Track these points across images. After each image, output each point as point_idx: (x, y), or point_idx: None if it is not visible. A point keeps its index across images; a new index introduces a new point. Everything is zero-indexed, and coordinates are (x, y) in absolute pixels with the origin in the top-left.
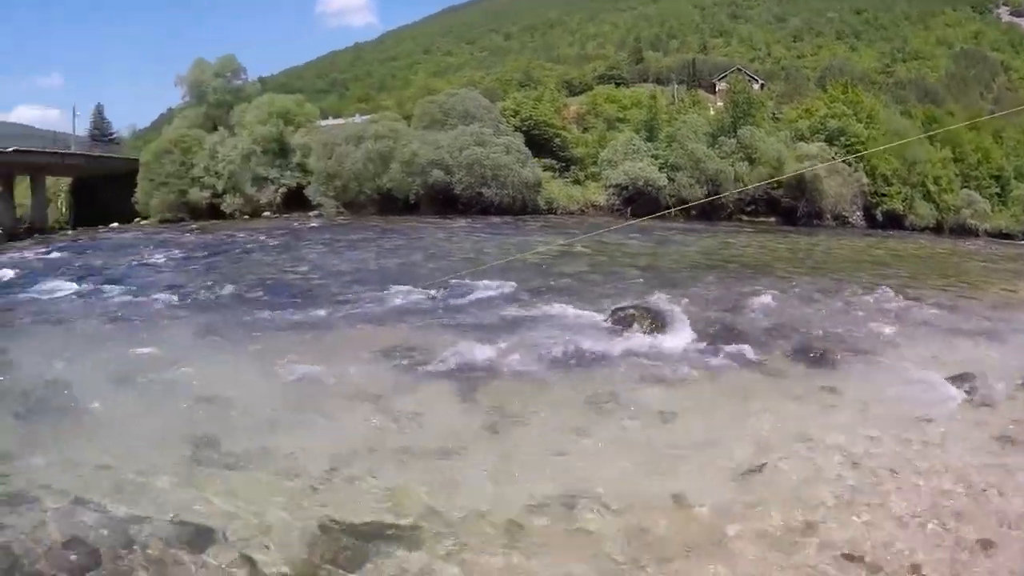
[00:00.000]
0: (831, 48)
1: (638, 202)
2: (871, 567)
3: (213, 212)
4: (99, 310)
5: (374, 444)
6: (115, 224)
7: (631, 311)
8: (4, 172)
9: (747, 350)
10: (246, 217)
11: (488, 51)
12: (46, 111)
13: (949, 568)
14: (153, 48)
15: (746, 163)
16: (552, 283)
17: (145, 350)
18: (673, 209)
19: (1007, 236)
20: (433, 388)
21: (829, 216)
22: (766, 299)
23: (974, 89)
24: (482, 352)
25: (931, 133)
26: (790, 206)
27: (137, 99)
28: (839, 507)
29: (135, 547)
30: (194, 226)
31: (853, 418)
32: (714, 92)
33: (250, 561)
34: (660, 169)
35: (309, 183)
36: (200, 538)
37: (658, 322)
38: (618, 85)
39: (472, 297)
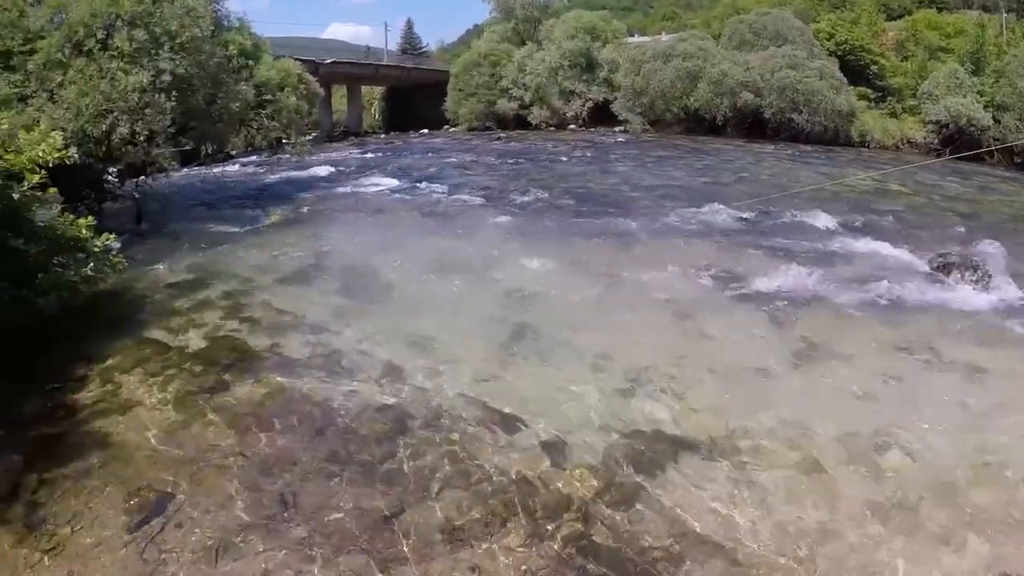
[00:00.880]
0: None
1: (958, 142)
2: None
3: (520, 123)
4: (413, 205)
5: (680, 357)
6: (425, 130)
7: (952, 258)
8: (323, 82)
9: None
10: (552, 129)
11: None
12: (358, 28)
13: None
14: None
15: None
16: (867, 219)
17: (459, 244)
18: (995, 152)
19: None
20: (742, 310)
21: None
22: None
23: None
24: (793, 280)
25: None
26: None
27: (444, 15)
28: None
29: (443, 421)
30: (502, 135)
31: None
32: None
33: (552, 452)
34: (985, 108)
35: (615, 98)
36: (505, 422)
37: (981, 273)
38: (940, 10)
39: (784, 224)
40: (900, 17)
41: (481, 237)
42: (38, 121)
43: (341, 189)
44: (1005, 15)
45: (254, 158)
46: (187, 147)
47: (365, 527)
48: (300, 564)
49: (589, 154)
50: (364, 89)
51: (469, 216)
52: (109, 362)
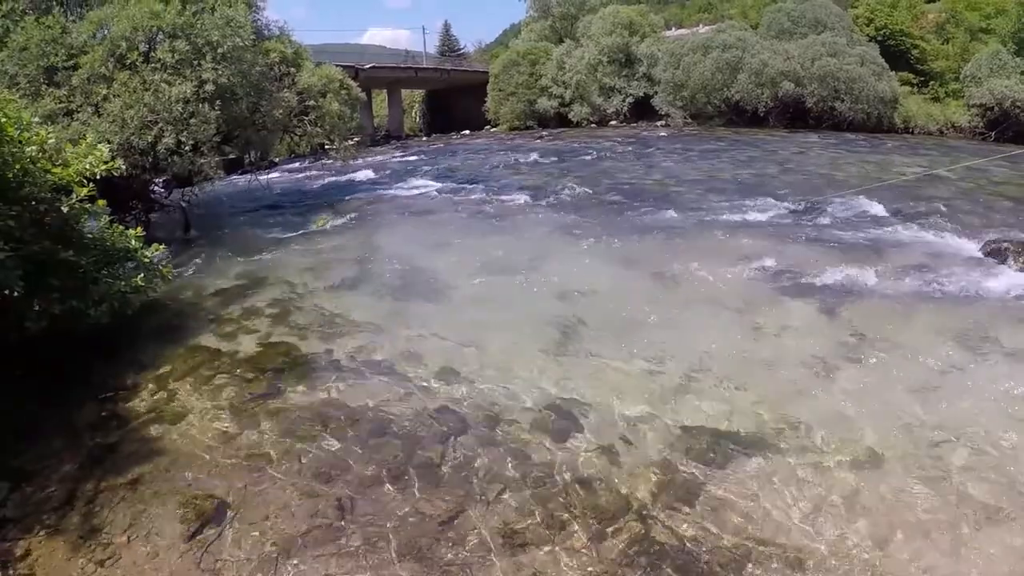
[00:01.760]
0: None
1: (1004, 125)
2: None
3: (561, 121)
4: (460, 206)
5: (735, 352)
6: (466, 132)
7: (1006, 245)
8: (364, 87)
9: None
10: (593, 125)
11: None
12: (396, 32)
13: None
14: None
15: None
16: (916, 207)
17: (507, 243)
18: None
19: None
20: (795, 303)
21: None
22: None
23: None
24: (846, 272)
25: None
26: None
27: (481, 16)
28: None
29: (499, 422)
30: (543, 133)
31: None
32: None
33: (610, 451)
34: None
35: (656, 93)
36: (562, 422)
37: None
38: None
39: (833, 215)
40: None
41: (529, 236)
42: (84, 135)
43: (386, 192)
44: None
45: (297, 164)
46: (232, 155)
47: (423, 532)
48: (359, 572)
49: (632, 150)
50: (404, 92)
51: (516, 215)
52: (161, 370)
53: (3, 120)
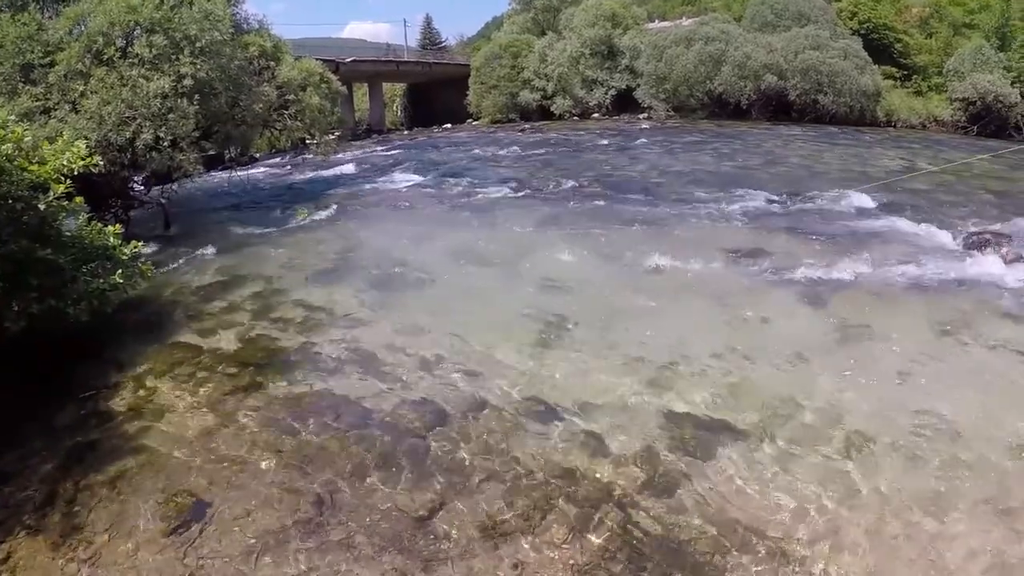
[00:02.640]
0: None
1: (986, 119)
2: None
3: (543, 113)
4: (441, 199)
5: (720, 341)
6: (448, 125)
7: (986, 236)
8: (344, 80)
9: None
10: (575, 118)
11: None
12: (376, 26)
13: None
14: None
15: None
16: (898, 199)
17: (488, 236)
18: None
19: None
20: (779, 293)
21: None
22: None
23: None
24: (829, 263)
25: None
26: None
27: (462, 9)
28: None
29: (480, 415)
30: (525, 126)
31: None
32: None
33: (592, 442)
34: (1012, 84)
35: (638, 85)
36: (544, 414)
37: (1015, 250)
38: None
39: (816, 207)
40: None
41: (511, 228)
42: (61, 132)
43: (367, 186)
44: None
45: (278, 159)
46: (211, 151)
47: (405, 525)
48: (340, 564)
49: (614, 142)
50: (385, 86)
51: (498, 208)
52: (142, 368)
53: None
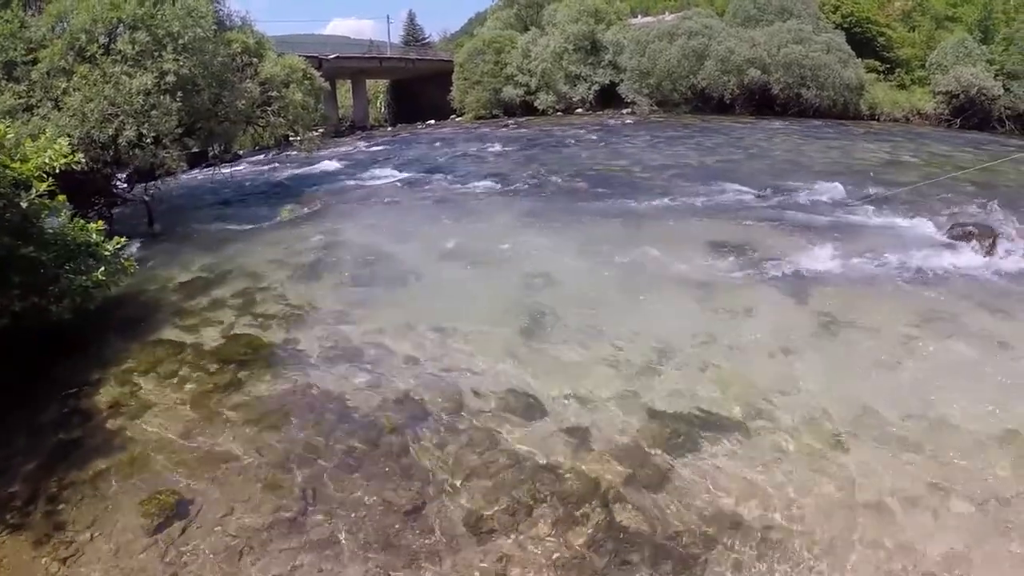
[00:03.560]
0: None
1: (969, 112)
2: None
3: (527, 109)
4: (425, 195)
5: (704, 335)
6: (432, 121)
7: (969, 228)
8: (328, 77)
9: None
10: (559, 113)
11: None
12: (360, 22)
13: None
14: None
15: None
16: (881, 191)
17: (471, 231)
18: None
19: None
20: (763, 286)
21: None
22: None
23: None
24: (812, 255)
25: None
26: None
27: (446, 5)
28: None
29: (464, 410)
30: (509, 122)
31: None
32: None
33: (577, 436)
34: (995, 76)
35: (622, 80)
36: (528, 408)
37: (997, 242)
38: None
39: (800, 199)
40: None
41: (495, 223)
42: (44, 129)
43: (351, 183)
44: None
45: (262, 156)
46: (194, 148)
47: (390, 521)
48: (325, 561)
49: (598, 137)
50: (369, 83)
51: (482, 203)
52: (125, 365)
53: None
